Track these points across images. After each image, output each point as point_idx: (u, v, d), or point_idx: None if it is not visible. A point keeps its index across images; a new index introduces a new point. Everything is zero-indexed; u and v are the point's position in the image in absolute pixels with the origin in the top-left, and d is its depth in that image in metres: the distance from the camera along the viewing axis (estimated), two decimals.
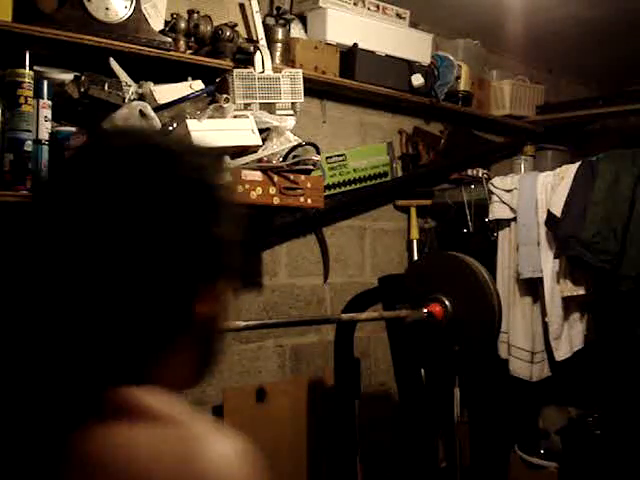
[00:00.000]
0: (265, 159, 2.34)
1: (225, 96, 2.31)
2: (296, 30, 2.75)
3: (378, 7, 2.94)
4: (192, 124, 2.17)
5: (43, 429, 0.58)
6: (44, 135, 1.95)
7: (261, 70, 2.45)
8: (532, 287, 2.99)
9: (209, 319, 0.63)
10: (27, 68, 1.91)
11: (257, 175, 2.30)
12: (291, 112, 2.52)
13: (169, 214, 0.57)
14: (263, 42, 2.52)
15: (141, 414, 0.59)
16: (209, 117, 2.24)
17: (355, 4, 2.87)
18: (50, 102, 1.97)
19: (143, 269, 0.56)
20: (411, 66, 3.03)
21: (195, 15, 2.41)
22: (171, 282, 0.58)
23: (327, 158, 2.91)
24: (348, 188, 2.98)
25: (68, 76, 2.09)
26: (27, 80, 1.90)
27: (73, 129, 2.01)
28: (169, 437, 0.59)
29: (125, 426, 0.58)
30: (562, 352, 2.89)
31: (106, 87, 2.10)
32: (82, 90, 2.06)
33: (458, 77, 3.25)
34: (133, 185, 0.56)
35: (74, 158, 0.68)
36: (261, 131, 2.35)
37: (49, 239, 0.57)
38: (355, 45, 2.81)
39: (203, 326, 0.63)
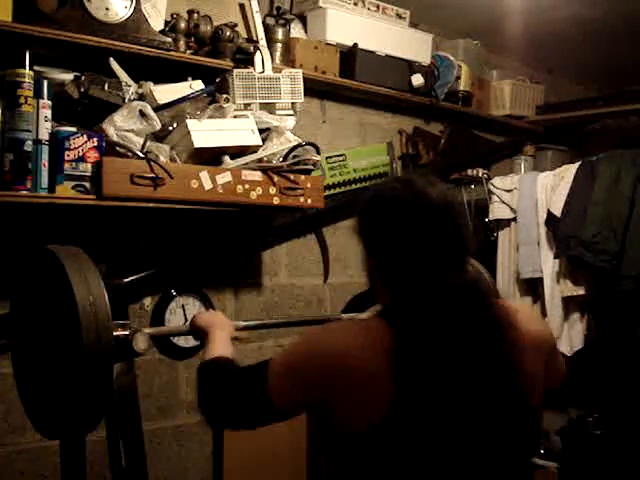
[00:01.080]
0: (265, 159, 2.34)
1: (225, 96, 2.31)
2: (296, 30, 2.75)
3: (378, 7, 2.94)
4: (192, 124, 2.17)
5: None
6: (44, 135, 1.94)
7: (261, 70, 2.45)
8: (532, 287, 2.99)
9: None
10: (27, 68, 1.91)
11: (257, 175, 2.30)
12: (291, 112, 2.52)
13: (452, 223, 1.30)
14: (263, 42, 2.52)
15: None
16: (209, 117, 2.24)
17: (355, 4, 2.87)
18: (50, 102, 1.96)
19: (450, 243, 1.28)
20: (411, 66, 3.03)
21: (195, 15, 2.41)
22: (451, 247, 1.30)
23: (327, 158, 2.91)
24: (348, 188, 2.98)
25: (68, 76, 2.08)
26: (27, 80, 1.90)
27: (73, 129, 2.01)
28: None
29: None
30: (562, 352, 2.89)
31: (106, 87, 2.10)
32: (82, 90, 2.06)
33: (458, 77, 3.25)
34: (436, 219, 1.29)
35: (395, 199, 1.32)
36: (261, 131, 2.35)
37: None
38: (355, 45, 2.81)
39: None
